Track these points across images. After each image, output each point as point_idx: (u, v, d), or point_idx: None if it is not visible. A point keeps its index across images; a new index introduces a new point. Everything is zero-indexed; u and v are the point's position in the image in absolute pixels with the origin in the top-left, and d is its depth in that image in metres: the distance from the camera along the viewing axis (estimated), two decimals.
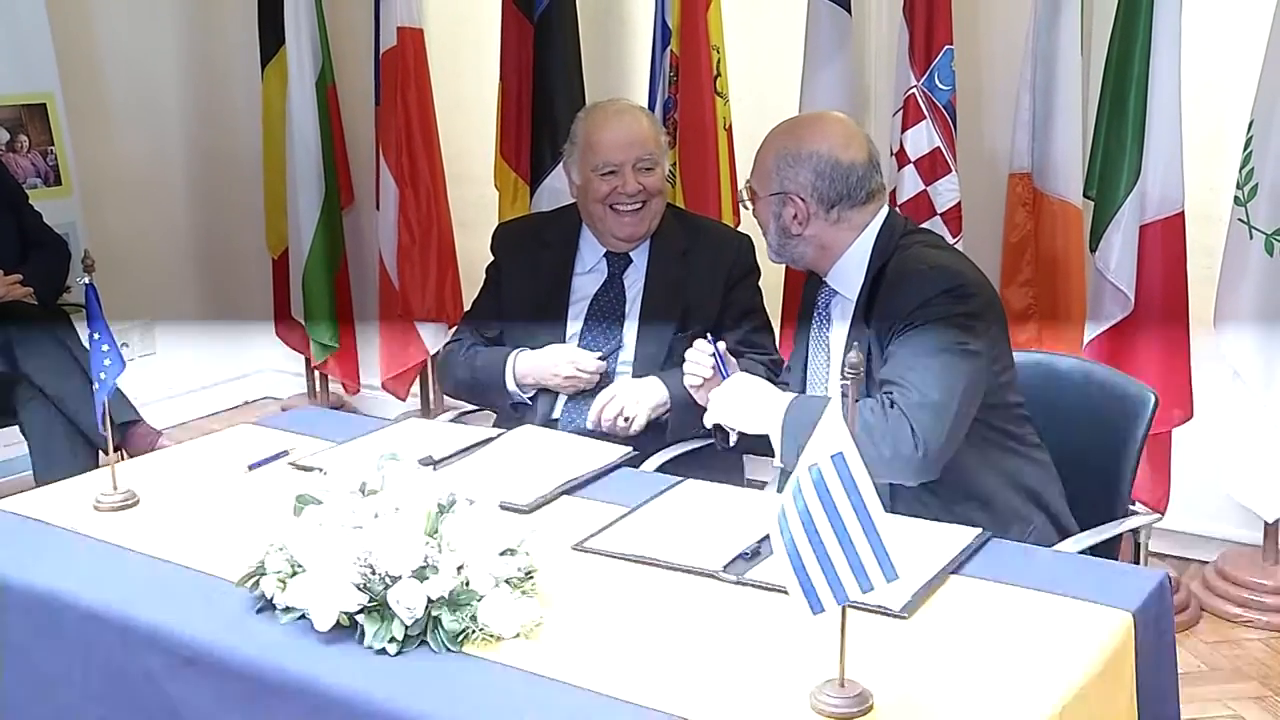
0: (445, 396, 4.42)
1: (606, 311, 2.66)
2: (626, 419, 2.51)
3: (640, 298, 2.65)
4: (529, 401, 2.66)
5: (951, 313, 2.01)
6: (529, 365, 2.62)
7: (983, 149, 3.57)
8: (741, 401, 2.15)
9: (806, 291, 2.36)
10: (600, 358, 2.58)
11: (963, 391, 1.99)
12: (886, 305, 2.07)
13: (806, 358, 2.30)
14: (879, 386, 2.03)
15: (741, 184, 2.26)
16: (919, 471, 1.97)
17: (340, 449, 2.32)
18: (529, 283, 2.71)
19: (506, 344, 2.71)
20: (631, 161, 2.58)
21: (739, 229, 3.00)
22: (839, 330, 2.21)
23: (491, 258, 2.82)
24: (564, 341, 2.67)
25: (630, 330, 2.64)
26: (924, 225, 2.97)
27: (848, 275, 2.18)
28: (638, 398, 2.52)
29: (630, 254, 2.69)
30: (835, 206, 2.13)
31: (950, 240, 3.22)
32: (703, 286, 2.65)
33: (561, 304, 2.68)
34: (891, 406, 1.96)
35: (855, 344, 2.05)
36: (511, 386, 2.63)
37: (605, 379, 2.62)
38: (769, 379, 2.33)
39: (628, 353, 2.64)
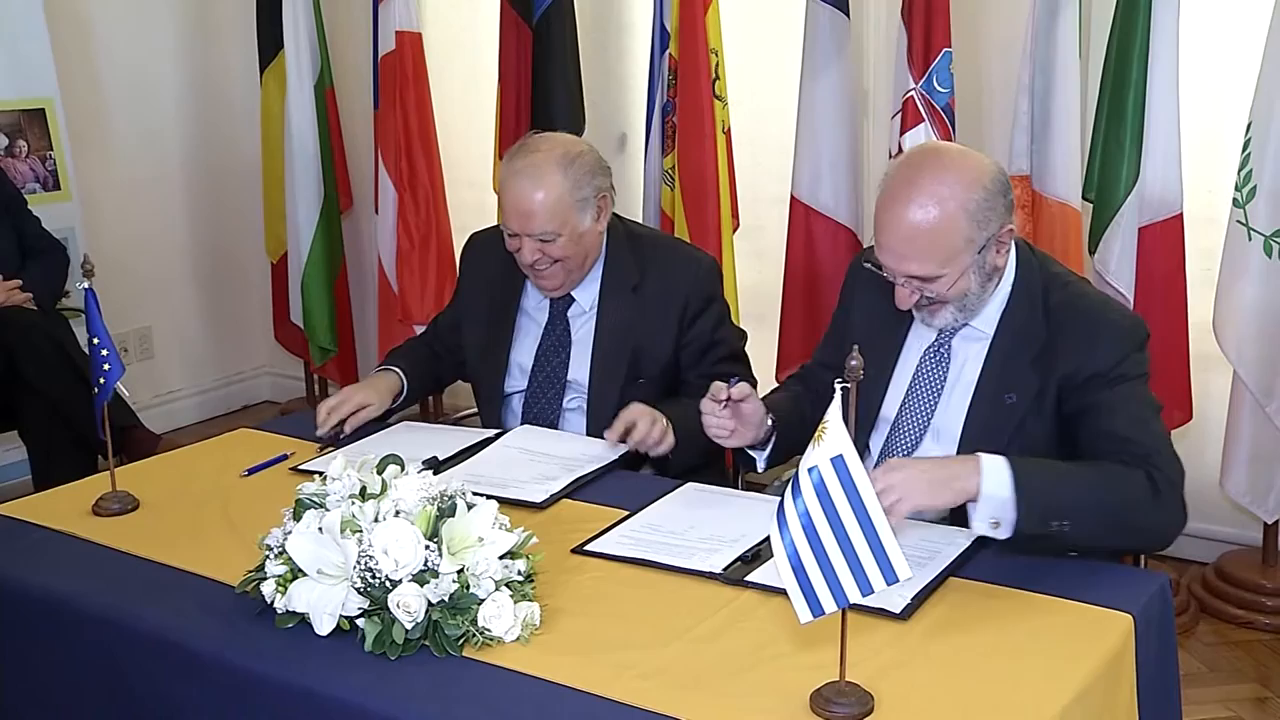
0: (444, 401, 4.43)
1: (552, 352, 2.55)
2: (656, 440, 2.31)
3: (590, 339, 2.53)
4: None
5: (1144, 367, 1.95)
6: None
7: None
8: (931, 478, 1.77)
9: (856, 304, 2.19)
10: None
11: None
12: (1079, 352, 1.92)
13: (888, 380, 2.11)
14: (1097, 440, 1.89)
15: (904, 283, 1.96)
16: (1175, 537, 1.87)
17: (339, 452, 2.32)
18: (483, 301, 2.63)
19: (466, 360, 2.66)
20: (526, 233, 2.40)
21: (704, 251, 2.79)
22: (967, 362, 2.04)
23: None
24: (508, 369, 2.58)
25: (581, 373, 2.52)
26: None
27: (987, 309, 2.01)
28: (659, 419, 2.33)
29: (571, 293, 2.53)
30: (1013, 208, 1.99)
31: None
32: (654, 326, 2.49)
33: (507, 332, 2.58)
34: (1158, 472, 1.82)
35: (1009, 392, 1.96)
36: None
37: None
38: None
39: (581, 398, 2.53)
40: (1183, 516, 1.84)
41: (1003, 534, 1.76)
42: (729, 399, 2.03)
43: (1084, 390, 1.92)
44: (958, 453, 1.97)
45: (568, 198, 2.40)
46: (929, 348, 2.09)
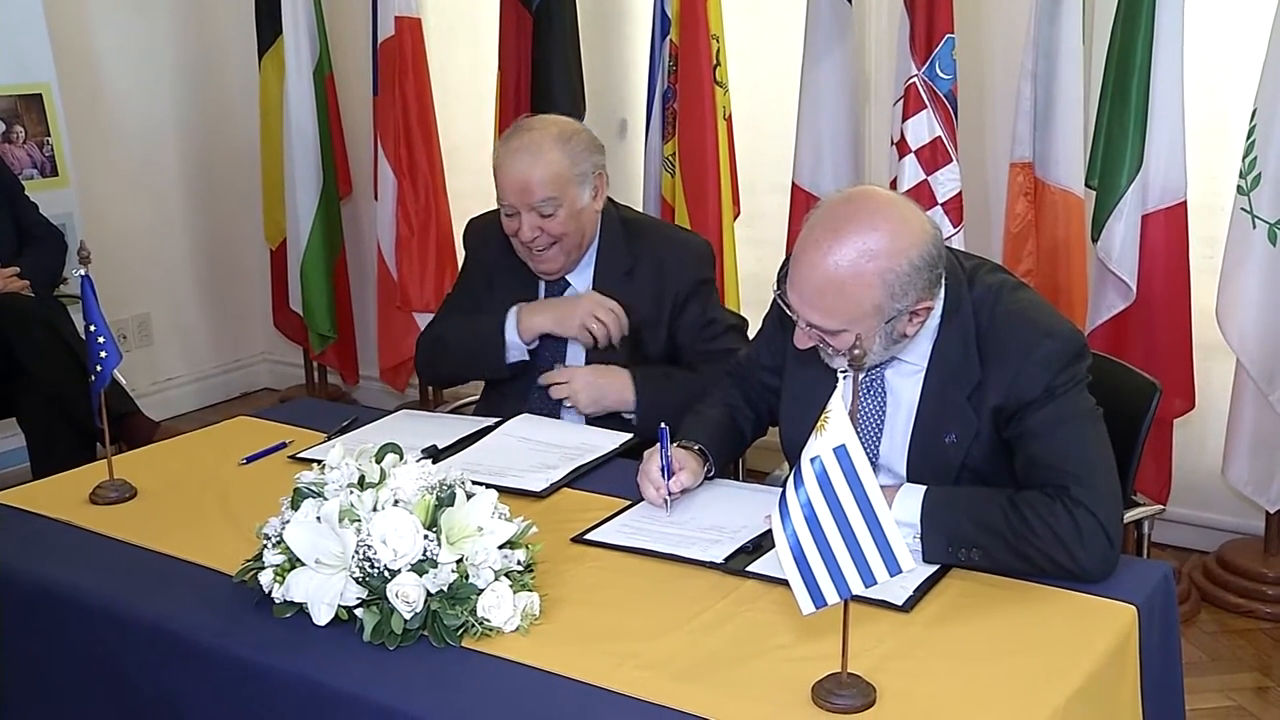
0: (437, 383, 4.41)
1: (550, 338, 2.53)
2: (569, 405, 2.44)
3: None
4: (528, 356, 2.54)
5: (1078, 377, 1.85)
6: (541, 310, 2.50)
7: (984, 138, 3.55)
8: None
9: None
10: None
11: (1112, 458, 1.85)
12: (1008, 384, 1.85)
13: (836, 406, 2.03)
14: (1026, 468, 1.84)
15: (804, 327, 1.87)
16: (1111, 567, 1.74)
17: (338, 441, 2.31)
18: (485, 285, 2.62)
19: None
20: (525, 206, 2.40)
21: (698, 235, 2.81)
22: (904, 397, 1.97)
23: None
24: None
25: (579, 359, 2.52)
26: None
27: (916, 342, 1.93)
28: (593, 396, 2.43)
29: (567, 278, 2.54)
30: (939, 283, 1.89)
31: (951, 230, 3.21)
32: (648, 310, 2.50)
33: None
34: (1076, 505, 1.74)
35: (949, 432, 1.90)
36: (511, 336, 2.50)
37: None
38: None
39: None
40: (1107, 551, 1.73)
41: (917, 558, 1.74)
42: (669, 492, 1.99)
43: (1017, 419, 1.86)
44: None
45: (567, 172, 2.40)
46: (861, 382, 1.96)
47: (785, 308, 1.89)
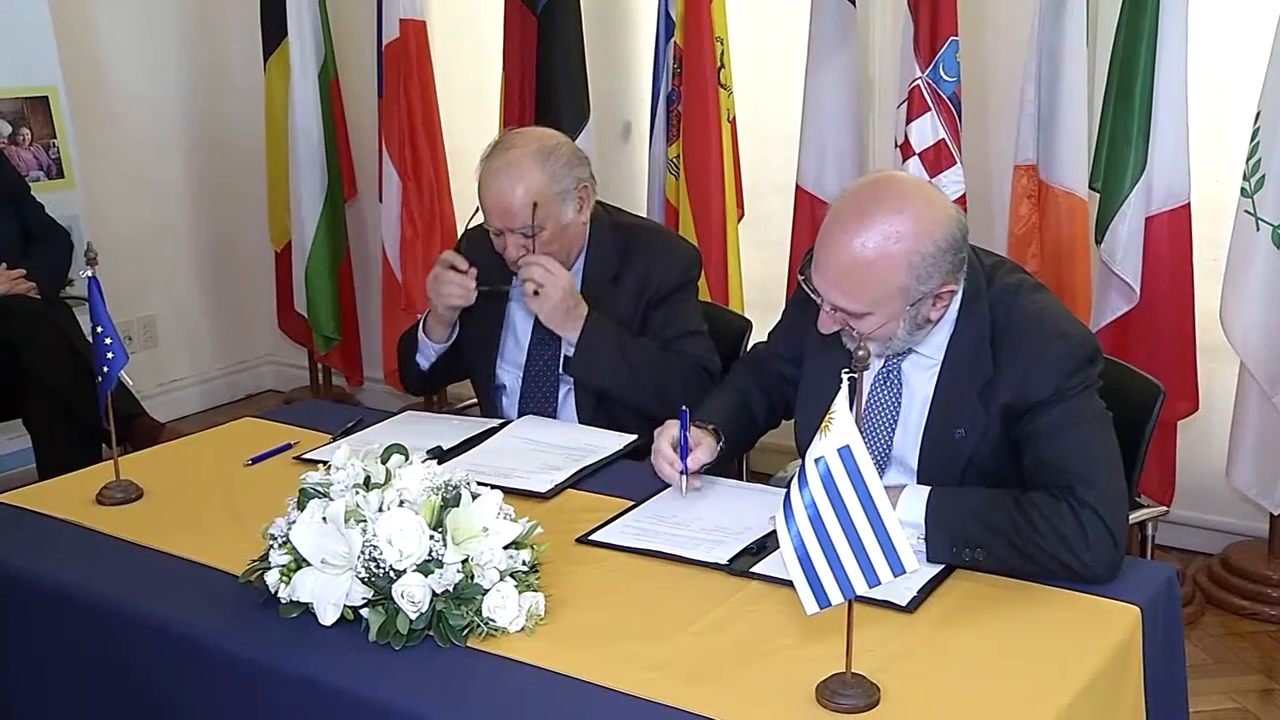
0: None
1: (543, 345, 2.54)
2: (538, 286, 2.37)
3: None
4: (434, 357, 2.59)
5: (1089, 380, 1.86)
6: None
7: (988, 141, 3.55)
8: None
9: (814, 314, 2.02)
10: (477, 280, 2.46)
11: (1119, 461, 1.87)
12: (1019, 383, 1.86)
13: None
14: (1033, 469, 1.85)
15: (828, 308, 1.89)
16: (1116, 569, 1.74)
17: (343, 442, 2.31)
18: (478, 295, 2.60)
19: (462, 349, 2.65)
20: (508, 229, 2.40)
21: (688, 242, 2.82)
22: (918, 390, 1.98)
23: None
24: (502, 361, 2.59)
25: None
26: None
27: (933, 335, 1.95)
28: (558, 307, 2.39)
29: None
30: (963, 266, 1.90)
31: None
32: (628, 311, 2.51)
33: (498, 325, 2.57)
34: (1082, 506, 1.74)
35: (959, 427, 1.91)
36: (421, 335, 2.56)
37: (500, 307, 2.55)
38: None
39: (574, 389, 2.54)
40: (1111, 553, 1.73)
41: (921, 558, 1.74)
42: (684, 471, 2.01)
43: (1027, 418, 1.86)
44: (916, 483, 1.93)
45: (547, 191, 2.39)
46: (878, 374, 2.01)
47: (810, 293, 1.90)
